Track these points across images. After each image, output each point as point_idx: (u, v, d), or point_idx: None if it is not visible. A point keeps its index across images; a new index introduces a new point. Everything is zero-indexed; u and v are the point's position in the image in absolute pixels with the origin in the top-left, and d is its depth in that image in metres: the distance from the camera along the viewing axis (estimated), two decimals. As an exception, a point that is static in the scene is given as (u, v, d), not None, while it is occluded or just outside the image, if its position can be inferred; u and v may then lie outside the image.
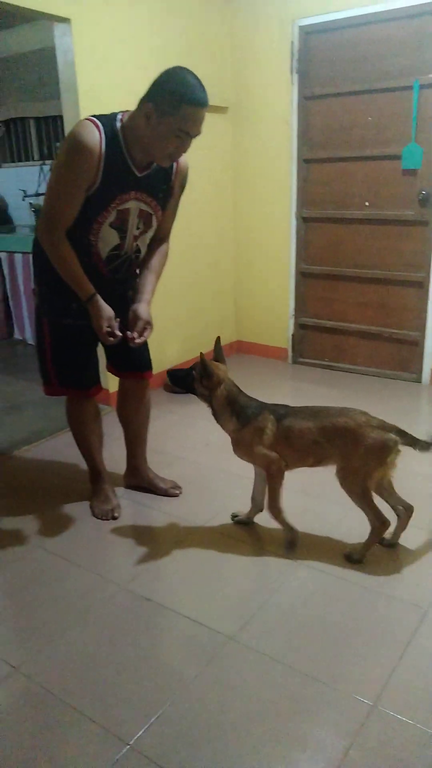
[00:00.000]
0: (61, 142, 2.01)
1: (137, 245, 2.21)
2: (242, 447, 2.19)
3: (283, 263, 4.26)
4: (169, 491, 2.65)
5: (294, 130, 3.99)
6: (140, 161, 2.04)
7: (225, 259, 4.36)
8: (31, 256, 2.30)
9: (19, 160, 5.45)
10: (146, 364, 2.51)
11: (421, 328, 3.86)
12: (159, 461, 2.93)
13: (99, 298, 2.08)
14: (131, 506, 2.58)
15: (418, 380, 3.95)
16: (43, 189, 5.27)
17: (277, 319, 4.42)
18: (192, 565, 2.20)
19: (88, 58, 3.10)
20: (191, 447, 2.86)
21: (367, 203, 3.88)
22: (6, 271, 4.87)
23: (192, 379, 2.18)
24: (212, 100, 4.07)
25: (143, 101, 1.95)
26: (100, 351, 2.42)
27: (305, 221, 4.14)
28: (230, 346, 4.58)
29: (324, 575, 2.10)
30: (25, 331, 4.96)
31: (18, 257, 4.72)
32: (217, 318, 4.34)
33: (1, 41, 5.00)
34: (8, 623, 1.96)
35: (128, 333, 2.15)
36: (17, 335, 5.09)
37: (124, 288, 2.29)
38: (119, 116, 2.01)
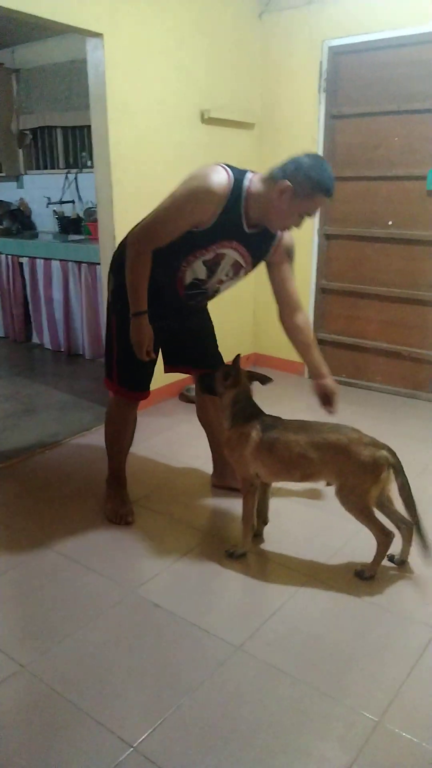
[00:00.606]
0: (188, 176, 2.09)
1: (219, 287, 2.33)
2: (227, 448, 2.26)
3: (305, 279, 4.28)
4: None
5: (320, 148, 4.02)
6: (252, 220, 2.13)
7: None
8: (112, 259, 2.38)
9: (45, 168, 5.56)
10: (223, 363, 2.61)
11: (441, 348, 3.85)
12: (169, 470, 2.95)
13: (146, 317, 2.16)
14: (144, 512, 2.60)
15: (436, 400, 3.93)
16: (67, 197, 5.37)
17: (295, 334, 4.43)
18: (202, 574, 2.21)
19: (118, 72, 3.17)
20: (206, 456, 2.87)
21: (390, 222, 3.89)
22: (27, 276, 4.95)
23: (214, 378, 2.30)
24: (240, 116, 4.16)
25: (280, 176, 2.03)
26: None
27: (327, 238, 4.16)
28: (247, 358, 4.60)
29: (334, 591, 2.09)
30: (44, 335, 5.03)
31: (39, 263, 4.80)
32: (236, 331, 4.36)
33: (32, 52, 5.13)
34: (18, 623, 1.98)
35: (325, 407, 2.39)
36: (35, 339, 5.17)
37: (196, 305, 2.40)
38: (249, 176, 2.10)
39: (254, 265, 2.29)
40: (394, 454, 2.06)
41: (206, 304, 2.47)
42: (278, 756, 1.49)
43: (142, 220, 2.16)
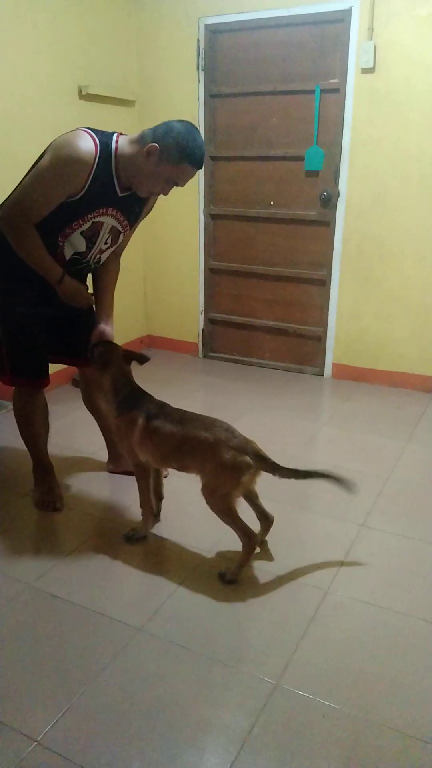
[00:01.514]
0: (52, 144, 2.01)
1: (99, 257, 2.28)
2: (116, 436, 2.29)
3: (193, 259, 4.30)
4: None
5: (201, 127, 4.02)
6: (124, 183, 2.08)
7: (134, 253, 4.34)
8: None
9: None
10: None
11: (324, 324, 4.02)
12: (66, 459, 2.90)
13: (66, 277, 2.15)
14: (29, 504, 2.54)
15: (321, 374, 4.12)
16: None
17: (187, 314, 4.46)
18: (99, 561, 2.20)
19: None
20: (100, 443, 2.84)
21: (272, 202, 3.99)
22: None
23: (91, 356, 2.28)
24: (119, 93, 4.07)
25: (149, 139, 1.99)
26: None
27: (213, 218, 4.20)
28: (140, 340, 4.58)
29: (229, 562, 2.15)
30: None
31: None
32: (127, 312, 4.32)
33: None
34: None
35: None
36: None
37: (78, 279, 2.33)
38: (115, 137, 2.04)
39: (131, 227, 2.28)
40: (262, 458, 1.99)
41: (89, 274, 2.41)
42: (182, 730, 1.53)
43: (9, 196, 2.07)
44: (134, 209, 2.21)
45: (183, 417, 2.13)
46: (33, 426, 2.48)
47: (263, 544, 2.22)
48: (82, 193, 2.01)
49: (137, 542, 2.27)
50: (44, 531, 2.38)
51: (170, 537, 2.33)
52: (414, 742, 1.50)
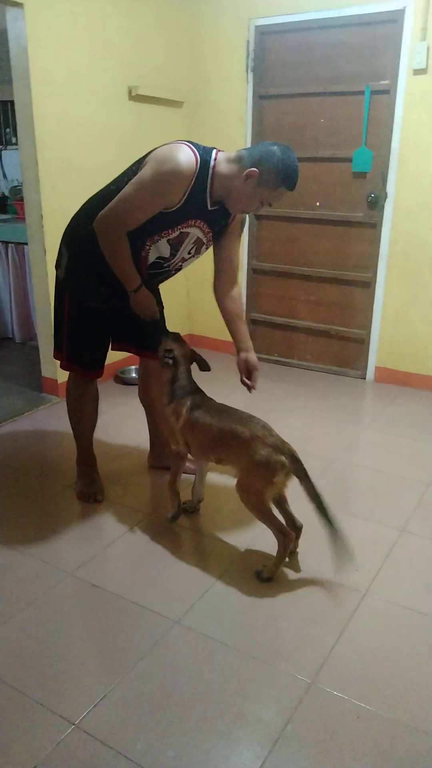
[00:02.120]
0: (153, 156, 2.04)
1: (181, 265, 2.33)
2: (164, 422, 2.34)
3: (236, 259, 4.32)
4: (196, 470, 2.72)
5: (248, 128, 4.05)
6: (215, 198, 2.11)
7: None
8: (66, 231, 2.33)
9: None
10: None
11: (367, 326, 3.99)
12: (108, 452, 2.95)
13: (143, 289, 2.20)
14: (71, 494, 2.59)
15: (363, 377, 4.08)
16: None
17: (228, 315, 4.48)
18: (139, 553, 2.24)
19: (41, 45, 3.07)
20: (142, 438, 2.88)
21: (318, 203, 3.97)
22: None
23: (158, 341, 2.30)
24: (168, 94, 4.12)
25: (247, 162, 2.02)
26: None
27: (258, 218, 4.21)
28: (182, 339, 4.61)
29: (268, 560, 2.16)
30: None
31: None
32: (170, 311, 4.34)
33: None
34: None
35: (245, 380, 2.35)
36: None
37: (155, 284, 2.41)
38: (214, 154, 2.07)
39: (215, 240, 2.31)
40: (297, 460, 1.99)
41: (168, 278, 2.46)
42: (216, 722, 1.54)
43: (110, 205, 2.07)
44: (220, 222, 2.23)
45: (222, 410, 2.17)
46: (83, 414, 2.54)
47: (293, 554, 2.20)
48: (178, 206, 2.05)
49: (174, 520, 2.35)
50: (85, 522, 2.43)
51: (207, 533, 2.35)
52: (451, 749, 1.48)
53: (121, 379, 3.88)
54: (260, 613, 1.94)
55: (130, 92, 3.68)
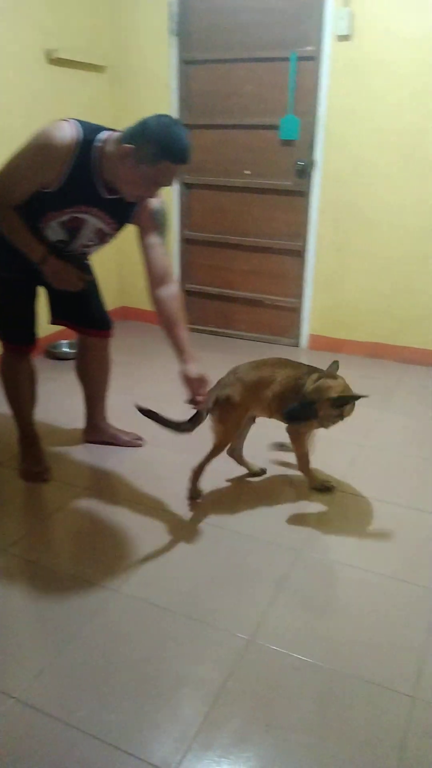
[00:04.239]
0: (36, 131, 1.93)
1: (86, 251, 2.24)
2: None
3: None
4: (132, 442, 2.74)
5: (174, 94, 3.97)
6: (111, 184, 1.99)
7: (108, 224, 4.29)
8: None
9: None
10: (109, 321, 2.57)
11: (299, 295, 4.03)
12: (41, 429, 2.89)
13: (51, 257, 2.07)
14: (13, 473, 2.53)
15: (297, 345, 4.14)
16: None
17: (162, 286, 4.43)
18: (77, 526, 2.22)
19: None
20: (75, 414, 2.83)
21: (247, 172, 3.96)
22: None
23: (316, 409, 2.17)
24: (89, 58, 3.97)
25: (123, 140, 1.88)
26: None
27: (188, 187, 4.16)
28: (115, 312, 4.53)
29: (205, 525, 2.20)
30: None
31: None
32: (102, 284, 4.27)
33: None
34: None
35: (194, 398, 2.05)
36: None
37: (78, 261, 2.27)
38: (103, 135, 1.94)
39: (120, 230, 2.21)
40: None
41: (80, 258, 2.33)
42: (157, 684, 1.56)
43: None
44: (123, 213, 2.12)
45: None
46: (19, 391, 2.47)
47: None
48: (57, 187, 1.94)
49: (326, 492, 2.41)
50: (20, 499, 2.38)
51: (146, 504, 2.35)
52: (381, 690, 1.55)
53: (53, 354, 3.79)
54: (199, 577, 1.96)
55: (48, 56, 3.53)
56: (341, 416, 2.21)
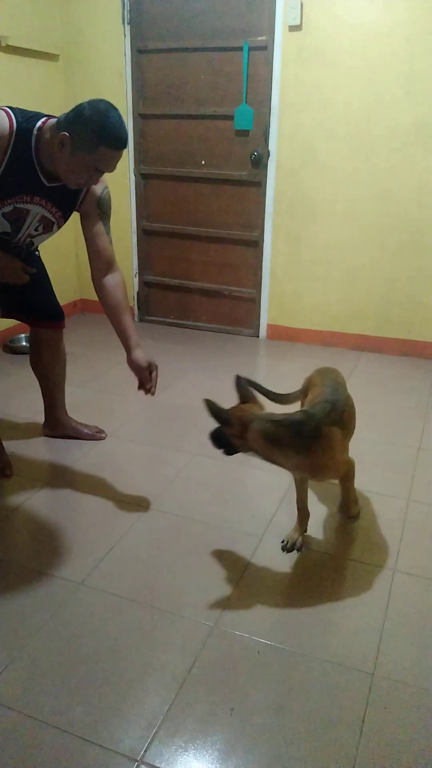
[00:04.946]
0: None
1: (31, 241, 2.19)
2: (325, 469, 1.90)
3: (124, 220, 4.24)
4: (95, 435, 2.72)
5: (128, 84, 3.93)
6: (51, 172, 1.95)
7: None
8: None
9: None
10: (60, 313, 2.53)
11: (258, 286, 4.07)
12: (5, 425, 2.86)
13: None
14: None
15: (256, 335, 4.18)
16: None
17: (120, 278, 4.41)
18: (39, 521, 2.21)
19: None
20: (36, 409, 2.81)
21: (203, 162, 3.96)
22: None
23: (225, 435, 1.83)
24: (40, 45, 3.90)
25: (59, 127, 1.85)
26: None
27: (144, 177, 4.14)
28: (73, 304, 4.50)
29: (168, 516, 2.22)
30: None
31: None
32: (59, 275, 4.22)
33: None
34: None
35: (144, 384, 2.11)
36: None
37: (24, 255, 2.24)
38: (41, 120, 1.90)
39: (66, 218, 2.19)
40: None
41: (29, 251, 2.32)
42: (123, 674, 1.58)
43: None
44: (67, 201, 2.10)
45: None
46: None
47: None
48: None
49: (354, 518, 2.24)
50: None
51: (108, 497, 2.36)
52: (342, 669, 1.60)
53: (11, 348, 3.74)
54: (162, 567, 1.98)
55: (-2, 42, 3.46)
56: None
